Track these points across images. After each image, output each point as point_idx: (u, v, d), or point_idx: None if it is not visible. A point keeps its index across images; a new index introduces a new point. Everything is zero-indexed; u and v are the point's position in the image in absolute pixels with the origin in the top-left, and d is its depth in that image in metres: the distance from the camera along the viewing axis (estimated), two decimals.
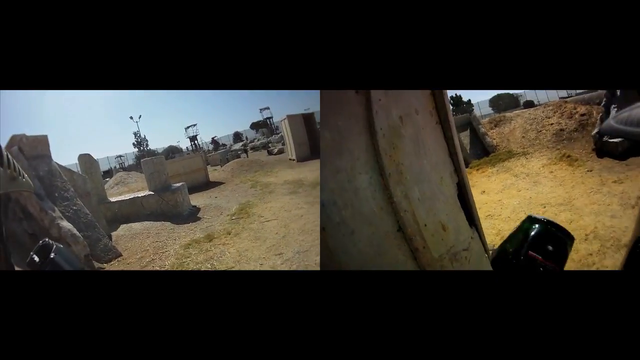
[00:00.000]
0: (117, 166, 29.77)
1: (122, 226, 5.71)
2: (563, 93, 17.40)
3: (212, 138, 34.10)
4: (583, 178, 5.54)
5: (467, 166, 8.22)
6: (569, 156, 6.52)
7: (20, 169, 0.58)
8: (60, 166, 4.92)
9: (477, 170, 7.78)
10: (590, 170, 5.70)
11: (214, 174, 10.41)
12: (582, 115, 7.72)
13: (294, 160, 10.91)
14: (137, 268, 4.07)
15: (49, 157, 4.74)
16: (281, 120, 12.77)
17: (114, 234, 5.36)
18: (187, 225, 5.52)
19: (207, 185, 9.14)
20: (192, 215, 6.18)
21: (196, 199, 7.28)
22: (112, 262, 4.39)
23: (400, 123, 1.12)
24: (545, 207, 4.73)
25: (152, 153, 30.79)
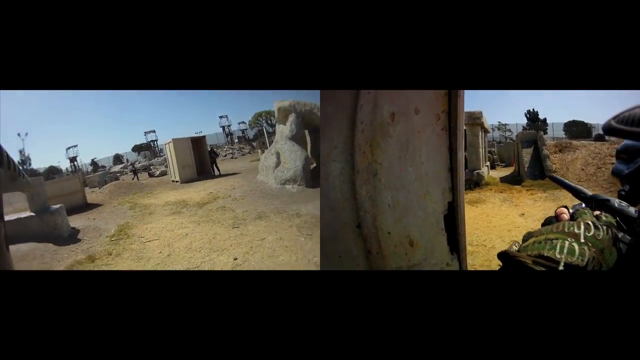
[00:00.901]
0: None
1: (11, 247, 5.12)
2: None
3: (92, 159, 33.08)
4: None
5: (519, 184, 8.52)
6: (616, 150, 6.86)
7: (20, 169, 0.41)
8: None
9: (528, 190, 7.76)
10: None
11: (92, 196, 10.32)
12: None
13: (177, 181, 11.32)
14: None
15: None
16: (166, 144, 13.12)
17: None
18: (68, 247, 5.57)
19: (85, 207, 9.17)
20: (72, 236, 6.31)
21: (75, 221, 7.34)
22: None
23: (389, 120, 1.04)
24: None
25: (34, 172, 29.64)
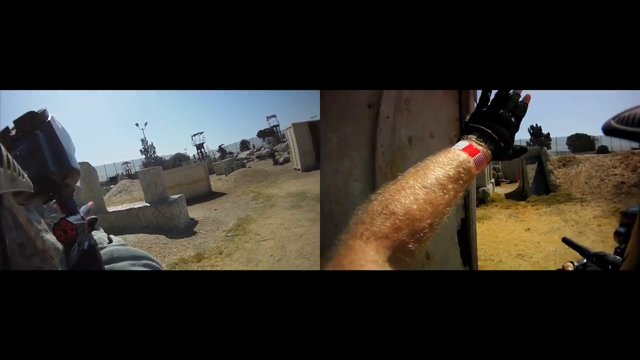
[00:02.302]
0: (124, 173, 28.07)
1: (114, 237, 5.44)
2: (635, 144, 17.91)
3: (219, 146, 33.48)
4: None
5: (524, 200, 8.67)
6: (621, 212, 6.81)
7: (20, 169, 0.57)
8: None
9: (533, 205, 7.82)
10: None
11: (218, 183, 10.13)
12: None
13: (298, 169, 10.63)
14: None
15: None
16: (287, 129, 12.53)
17: None
18: (180, 241, 5.38)
19: (208, 195, 8.87)
20: (188, 229, 6.05)
21: (195, 211, 7.06)
22: None
23: (407, 144, 1.15)
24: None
25: (160, 160, 30.11)
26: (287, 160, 13.87)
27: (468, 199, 1.25)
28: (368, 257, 0.46)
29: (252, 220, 6.08)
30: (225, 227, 5.86)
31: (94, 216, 0.82)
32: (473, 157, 0.58)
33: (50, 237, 3.65)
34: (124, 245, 0.88)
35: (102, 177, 8.87)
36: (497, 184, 13.55)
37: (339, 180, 1.18)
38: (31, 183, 0.57)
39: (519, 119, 0.69)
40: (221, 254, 4.61)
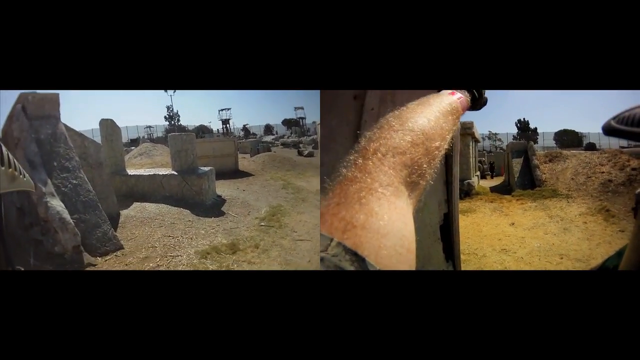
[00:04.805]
0: (146, 136, 28.38)
1: (135, 204, 5.12)
2: (624, 142, 16.25)
3: (244, 125, 33.56)
4: (612, 237, 5.19)
5: (509, 194, 8.55)
6: (607, 210, 6.25)
7: (20, 167, 0.53)
8: (70, 129, 4.25)
9: (517, 200, 7.73)
10: (623, 231, 5.31)
11: (243, 162, 9.69)
12: (634, 169, 7.35)
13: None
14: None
15: (57, 118, 4.04)
16: (317, 124, 12.02)
17: (123, 212, 4.79)
18: (208, 220, 4.88)
19: (235, 173, 8.47)
20: (215, 207, 5.43)
21: (222, 188, 6.55)
22: (108, 257, 3.68)
23: None
24: (562, 258, 4.55)
25: (183, 129, 29.76)
26: (311, 155, 13.66)
27: (451, 192, 1.23)
28: (383, 178, 0.41)
29: (286, 212, 5.63)
30: (257, 214, 5.40)
31: None
32: (455, 97, 0.63)
33: (57, 204, 3.39)
34: None
35: (124, 138, 8.30)
36: (483, 177, 13.69)
37: (324, 173, 1.19)
38: (32, 182, 0.55)
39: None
40: (257, 247, 4.14)
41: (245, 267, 3.64)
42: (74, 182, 3.86)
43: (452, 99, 0.62)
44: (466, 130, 8.76)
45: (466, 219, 6.50)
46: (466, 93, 0.68)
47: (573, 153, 9.56)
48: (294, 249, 4.22)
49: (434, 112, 0.55)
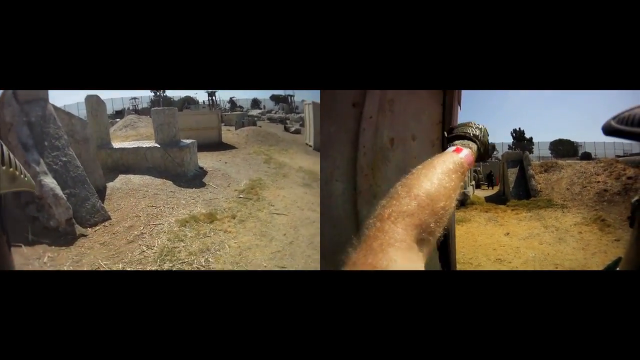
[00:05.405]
0: (131, 107, 27.48)
1: (121, 176, 5.37)
2: (620, 151, 16.38)
3: (230, 98, 33.11)
4: (608, 247, 5.19)
5: (504, 204, 8.56)
6: (603, 220, 6.26)
7: (21, 167, 0.53)
8: (57, 109, 4.45)
9: (512, 210, 7.76)
10: (618, 240, 5.32)
11: (227, 135, 9.80)
12: (629, 178, 7.30)
13: (310, 146, 10.59)
14: (123, 242, 3.68)
15: (45, 100, 4.21)
16: (306, 104, 12.25)
17: (110, 184, 5.01)
18: (189, 191, 5.03)
19: (218, 146, 8.62)
20: (197, 178, 5.68)
21: (204, 159, 6.71)
22: (97, 227, 3.95)
23: (389, 145, 1.13)
24: (557, 267, 4.59)
25: (168, 100, 29.45)
26: (297, 132, 13.70)
27: None
28: (397, 236, 0.49)
29: (265, 186, 5.74)
30: (237, 186, 5.55)
31: None
32: (461, 154, 0.68)
33: (50, 182, 3.68)
34: None
35: (109, 110, 8.39)
36: (478, 186, 13.73)
37: (322, 179, 1.19)
38: (33, 182, 0.56)
39: (481, 130, 0.79)
40: (234, 218, 4.29)
41: (222, 235, 3.84)
42: (64, 159, 4.10)
43: (455, 157, 0.67)
44: None
45: (461, 228, 6.58)
46: (472, 145, 0.73)
47: (569, 163, 9.64)
48: (270, 222, 4.32)
49: (437, 175, 0.60)
